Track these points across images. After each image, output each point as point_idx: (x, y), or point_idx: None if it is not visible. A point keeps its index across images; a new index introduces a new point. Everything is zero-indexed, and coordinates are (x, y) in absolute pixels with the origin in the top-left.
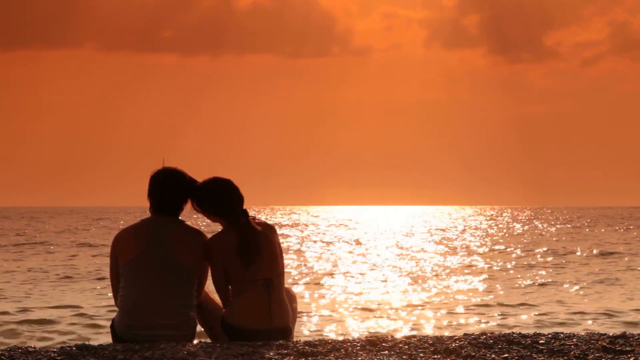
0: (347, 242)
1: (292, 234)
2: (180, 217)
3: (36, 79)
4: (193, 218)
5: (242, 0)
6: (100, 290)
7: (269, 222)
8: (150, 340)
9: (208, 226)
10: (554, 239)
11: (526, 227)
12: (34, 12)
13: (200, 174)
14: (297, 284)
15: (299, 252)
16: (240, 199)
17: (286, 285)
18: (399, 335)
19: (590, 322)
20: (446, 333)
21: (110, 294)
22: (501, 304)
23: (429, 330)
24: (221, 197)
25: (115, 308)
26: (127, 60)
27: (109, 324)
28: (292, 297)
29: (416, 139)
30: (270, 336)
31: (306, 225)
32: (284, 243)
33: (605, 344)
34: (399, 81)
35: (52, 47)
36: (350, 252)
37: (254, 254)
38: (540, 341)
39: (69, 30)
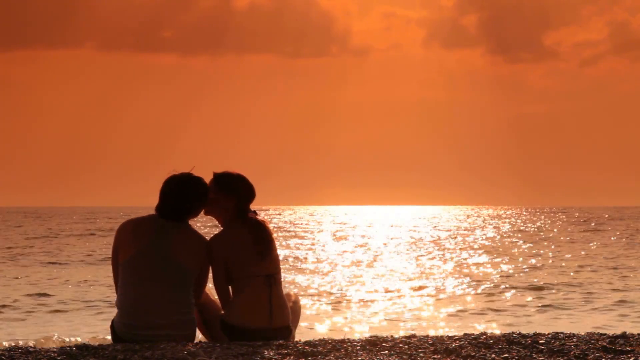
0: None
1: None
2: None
3: (36, 79)
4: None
5: (241, 0)
6: None
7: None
8: (150, 340)
9: (207, 227)
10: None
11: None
12: (34, 12)
13: (199, 175)
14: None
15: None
16: (254, 197)
17: (290, 291)
18: (398, 335)
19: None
20: (446, 333)
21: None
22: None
23: (429, 330)
24: (248, 188)
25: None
26: (127, 60)
27: None
28: (296, 302)
29: (415, 139)
30: (269, 336)
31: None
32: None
33: (605, 344)
34: (398, 81)
35: (52, 47)
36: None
37: (267, 246)
38: (540, 341)
39: (69, 30)
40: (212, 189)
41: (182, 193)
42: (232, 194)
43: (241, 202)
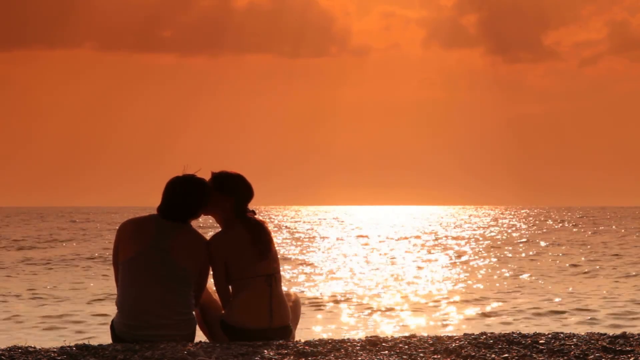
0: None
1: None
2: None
3: (36, 79)
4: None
5: (240, 0)
6: None
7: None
8: (150, 340)
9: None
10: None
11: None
12: (34, 12)
13: (198, 175)
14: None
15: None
16: (252, 197)
17: (290, 290)
18: (398, 335)
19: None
20: (446, 332)
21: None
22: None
23: (428, 330)
24: (247, 188)
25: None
26: (126, 60)
27: None
28: (296, 302)
29: (415, 138)
30: (270, 336)
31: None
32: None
33: (605, 344)
34: (397, 81)
35: (51, 47)
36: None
37: (267, 246)
38: (540, 341)
39: (68, 30)
40: (211, 188)
41: (185, 194)
42: (230, 193)
43: (239, 201)
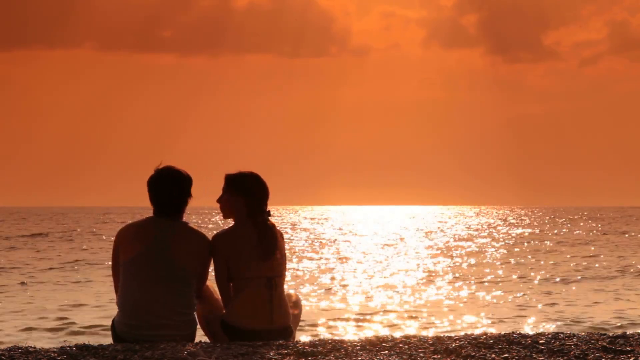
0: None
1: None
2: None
3: (35, 79)
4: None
5: (240, 0)
6: None
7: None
8: (151, 340)
9: (209, 226)
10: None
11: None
12: (34, 12)
13: (199, 175)
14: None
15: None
16: (267, 196)
17: (291, 291)
18: (398, 335)
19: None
20: (446, 333)
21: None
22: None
23: (429, 330)
24: (260, 188)
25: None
26: (126, 60)
27: None
28: (297, 303)
29: (415, 139)
30: (270, 336)
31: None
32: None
33: (605, 344)
34: (397, 81)
35: (51, 47)
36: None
37: (271, 248)
38: (540, 341)
39: (68, 30)
40: (224, 189)
41: (163, 187)
42: (242, 193)
43: (252, 201)
